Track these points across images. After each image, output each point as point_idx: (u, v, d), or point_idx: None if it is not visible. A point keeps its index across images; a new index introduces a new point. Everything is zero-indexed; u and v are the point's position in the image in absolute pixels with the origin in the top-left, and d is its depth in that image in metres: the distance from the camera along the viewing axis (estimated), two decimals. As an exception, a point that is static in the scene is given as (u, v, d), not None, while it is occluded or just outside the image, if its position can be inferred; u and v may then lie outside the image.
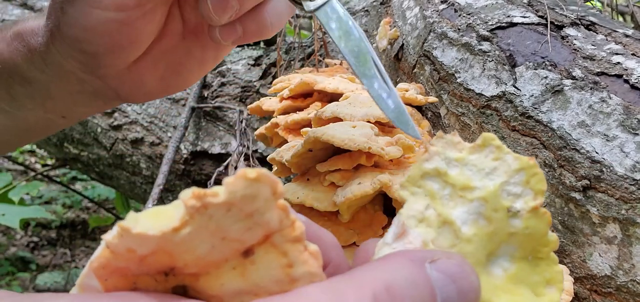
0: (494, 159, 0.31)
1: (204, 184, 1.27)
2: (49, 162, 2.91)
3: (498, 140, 0.31)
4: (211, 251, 0.24)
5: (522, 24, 0.72)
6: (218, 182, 1.12)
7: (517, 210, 0.30)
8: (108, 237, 0.23)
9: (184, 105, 1.32)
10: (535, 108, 0.63)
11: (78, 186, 2.85)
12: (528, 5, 0.76)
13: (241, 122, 1.15)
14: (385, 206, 0.62)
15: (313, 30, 1.14)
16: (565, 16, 0.72)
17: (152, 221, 0.23)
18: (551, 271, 0.30)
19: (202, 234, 0.23)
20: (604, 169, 0.56)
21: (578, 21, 0.71)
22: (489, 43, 0.72)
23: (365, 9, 1.13)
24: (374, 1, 1.11)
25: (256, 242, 0.25)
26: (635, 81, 0.59)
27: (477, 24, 0.75)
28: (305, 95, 0.83)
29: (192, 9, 0.54)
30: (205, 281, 0.25)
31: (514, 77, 0.67)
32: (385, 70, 0.45)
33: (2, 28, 0.57)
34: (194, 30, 0.55)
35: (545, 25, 0.71)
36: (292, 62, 1.18)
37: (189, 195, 0.22)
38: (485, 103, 0.68)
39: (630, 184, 0.54)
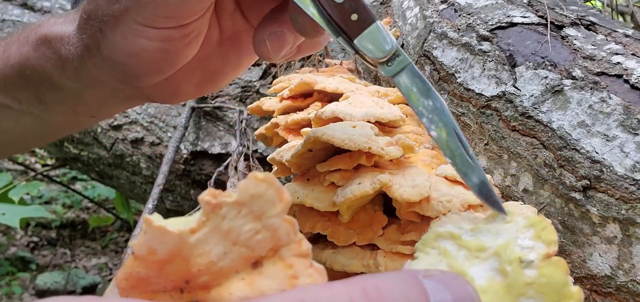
0: (506, 222, 0.32)
1: (204, 184, 1.27)
2: (49, 162, 2.91)
3: (511, 207, 0.32)
4: (223, 257, 0.26)
5: (522, 24, 0.72)
6: (218, 182, 1.12)
7: (530, 260, 0.30)
8: (134, 240, 0.26)
9: (184, 105, 1.32)
10: (535, 108, 0.63)
11: (78, 186, 2.85)
12: (528, 5, 0.76)
13: (241, 122, 1.15)
14: (385, 206, 0.62)
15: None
16: (565, 16, 0.72)
17: (173, 222, 0.25)
18: None
19: (216, 235, 0.25)
20: (604, 169, 0.56)
21: (578, 21, 0.71)
22: (489, 43, 0.72)
23: (365, 9, 1.13)
24: (374, 1, 1.11)
25: (265, 255, 0.26)
26: (635, 81, 0.59)
27: (477, 24, 0.75)
28: (305, 95, 0.83)
29: (230, 17, 0.53)
30: (216, 292, 0.26)
31: (514, 77, 0.67)
32: (467, 142, 0.42)
33: (23, 30, 0.55)
34: (230, 37, 0.54)
35: (545, 25, 0.71)
36: (292, 62, 1.18)
37: (206, 193, 0.25)
38: (485, 103, 0.68)
39: (631, 184, 0.54)
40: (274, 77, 1.18)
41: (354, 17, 0.44)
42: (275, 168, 0.69)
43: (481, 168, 0.40)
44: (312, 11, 0.44)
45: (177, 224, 0.25)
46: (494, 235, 0.32)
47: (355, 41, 0.44)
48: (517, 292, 0.30)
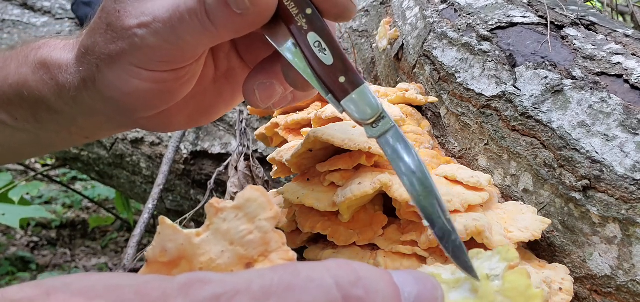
0: (480, 257, 0.37)
1: (204, 184, 1.27)
2: (49, 162, 2.91)
3: (481, 250, 0.37)
4: (221, 255, 0.30)
5: (522, 24, 0.72)
6: (218, 182, 1.12)
7: (496, 274, 0.35)
8: (149, 249, 0.30)
9: (184, 105, 1.32)
10: (536, 108, 0.63)
11: (78, 186, 2.85)
12: (528, 5, 0.76)
13: (241, 122, 1.15)
14: (385, 206, 0.62)
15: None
16: (565, 16, 0.72)
17: (182, 228, 0.30)
18: None
19: (217, 236, 0.30)
20: (604, 169, 0.56)
21: (578, 21, 0.71)
22: (489, 43, 0.72)
23: (365, 9, 1.13)
24: (374, 1, 1.10)
25: (257, 258, 0.30)
26: (635, 81, 0.59)
27: (477, 24, 0.75)
28: (306, 95, 0.83)
29: (225, 57, 0.54)
30: None
31: (514, 77, 0.67)
32: (445, 205, 0.43)
33: (23, 47, 0.56)
34: (225, 74, 0.55)
35: (545, 25, 0.71)
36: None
37: (211, 201, 0.30)
38: (485, 103, 0.68)
39: (631, 184, 0.54)
40: (274, 77, 1.18)
41: (342, 79, 0.45)
42: (275, 168, 0.68)
43: (457, 234, 0.41)
44: (302, 69, 0.45)
45: (185, 229, 0.30)
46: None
47: (342, 102, 0.45)
48: (488, 301, 0.34)
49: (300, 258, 0.62)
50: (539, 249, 0.61)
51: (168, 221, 0.29)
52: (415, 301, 0.28)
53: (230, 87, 0.56)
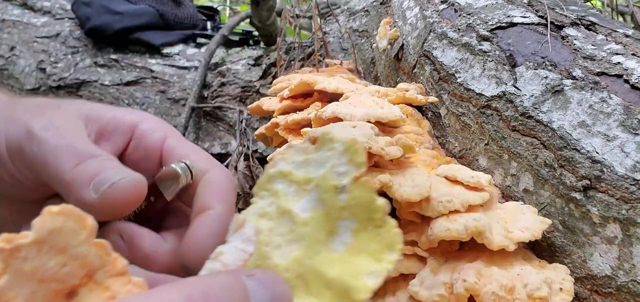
0: (328, 150, 0.34)
1: (204, 184, 1.27)
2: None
3: (332, 133, 0.34)
4: (32, 297, 0.25)
5: (522, 24, 0.72)
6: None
7: (343, 185, 0.33)
8: None
9: (184, 105, 1.32)
10: (536, 108, 0.63)
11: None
12: (528, 5, 0.76)
13: (241, 122, 1.15)
14: (386, 206, 0.62)
15: (313, 30, 1.14)
16: (565, 16, 0.72)
17: None
18: (389, 236, 0.31)
19: (20, 279, 0.24)
20: (604, 169, 0.56)
21: (578, 21, 0.71)
22: (489, 43, 0.72)
23: (365, 9, 1.13)
24: (374, 1, 1.10)
25: (79, 283, 0.26)
26: (636, 81, 0.59)
27: (477, 24, 0.75)
28: (305, 95, 0.83)
29: None
30: None
31: (514, 77, 0.67)
32: None
33: None
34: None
35: (546, 25, 0.71)
36: (292, 62, 1.18)
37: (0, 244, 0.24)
38: (486, 103, 0.68)
39: (631, 184, 0.54)
40: (274, 77, 1.18)
41: None
42: (275, 168, 0.68)
43: None
44: None
45: None
46: (318, 165, 0.34)
47: None
48: (335, 218, 0.33)
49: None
50: (539, 249, 0.61)
51: None
52: None
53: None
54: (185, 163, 0.44)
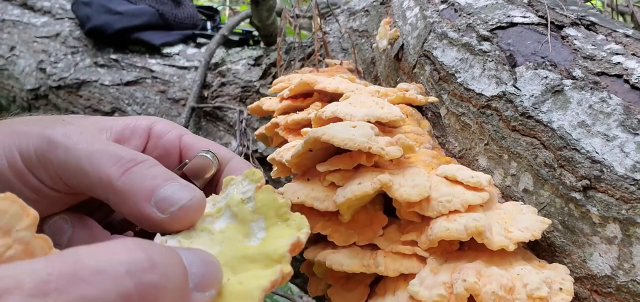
0: (231, 185, 0.43)
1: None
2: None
3: (230, 176, 0.44)
4: None
5: (522, 24, 0.72)
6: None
7: (249, 196, 0.41)
8: None
9: (184, 105, 1.32)
10: (536, 108, 0.63)
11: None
12: (528, 5, 0.76)
13: (241, 122, 1.15)
14: (386, 206, 0.62)
15: (313, 30, 1.14)
16: (566, 16, 0.72)
17: None
18: (297, 223, 0.39)
19: None
20: (604, 169, 0.56)
21: (578, 21, 0.71)
22: (489, 43, 0.72)
23: (365, 9, 1.13)
24: (374, 1, 1.10)
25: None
26: (636, 81, 0.59)
27: (477, 24, 0.75)
28: (305, 95, 0.83)
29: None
30: None
31: (514, 77, 0.67)
32: None
33: None
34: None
35: (546, 25, 0.71)
36: (292, 62, 1.18)
37: None
38: (486, 103, 0.68)
39: (631, 184, 0.54)
40: (274, 77, 1.18)
41: None
42: (275, 168, 0.68)
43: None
44: None
45: None
46: (225, 196, 0.43)
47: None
48: (247, 221, 0.40)
49: (301, 259, 0.62)
50: (539, 249, 0.61)
51: None
52: (201, 280, 0.31)
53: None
54: (211, 152, 0.49)
